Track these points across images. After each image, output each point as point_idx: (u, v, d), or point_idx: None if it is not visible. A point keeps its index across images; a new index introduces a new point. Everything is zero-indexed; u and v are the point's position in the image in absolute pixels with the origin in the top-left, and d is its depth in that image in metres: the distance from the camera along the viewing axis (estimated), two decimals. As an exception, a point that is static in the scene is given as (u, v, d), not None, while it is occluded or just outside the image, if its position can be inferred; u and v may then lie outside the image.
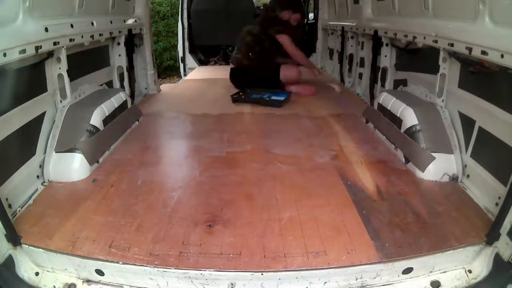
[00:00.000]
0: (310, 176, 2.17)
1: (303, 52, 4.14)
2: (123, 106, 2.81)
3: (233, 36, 5.06)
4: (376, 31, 3.44)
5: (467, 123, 2.13)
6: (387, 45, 3.34)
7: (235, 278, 1.47)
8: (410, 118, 2.34)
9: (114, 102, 2.68)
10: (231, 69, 4.26)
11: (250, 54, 3.92)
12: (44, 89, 2.25)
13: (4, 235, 1.55)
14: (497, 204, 1.73)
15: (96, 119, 2.35)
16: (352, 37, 4.41)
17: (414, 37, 2.61)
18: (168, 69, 9.16)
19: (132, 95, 3.60)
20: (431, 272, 1.57)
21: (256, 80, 3.86)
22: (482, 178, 1.94)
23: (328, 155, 2.44)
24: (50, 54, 2.22)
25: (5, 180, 1.80)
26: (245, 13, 6.09)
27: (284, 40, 3.83)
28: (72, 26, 2.40)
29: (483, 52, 1.82)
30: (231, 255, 1.52)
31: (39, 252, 1.58)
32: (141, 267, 1.48)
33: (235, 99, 3.66)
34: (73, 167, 2.14)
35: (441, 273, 1.57)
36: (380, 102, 2.78)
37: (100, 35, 2.87)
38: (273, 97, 3.63)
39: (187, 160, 2.41)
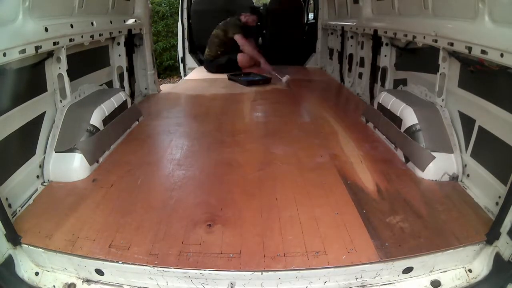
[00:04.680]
0: (310, 175, 2.17)
1: (261, 51, 5.28)
2: (123, 106, 2.81)
3: None
4: (376, 31, 3.44)
5: (467, 122, 2.13)
6: (387, 44, 3.34)
7: (235, 278, 1.47)
8: (410, 117, 2.33)
9: (114, 102, 2.68)
10: (205, 62, 5.52)
11: (218, 52, 5.26)
12: (44, 89, 2.25)
13: (4, 235, 1.55)
14: (497, 203, 1.73)
15: (96, 119, 2.35)
16: (352, 37, 4.41)
17: (414, 37, 2.61)
18: (168, 69, 9.16)
19: (132, 95, 3.61)
20: (431, 271, 1.56)
21: (222, 67, 5.17)
22: (482, 177, 1.94)
23: (328, 155, 2.44)
24: (50, 54, 2.22)
25: (5, 180, 1.80)
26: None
27: (238, 38, 5.08)
28: (72, 26, 2.41)
29: (483, 51, 1.82)
30: (231, 255, 1.52)
31: (39, 252, 1.58)
32: (141, 267, 1.48)
33: (230, 79, 4.84)
34: (73, 167, 2.15)
35: (441, 272, 1.57)
36: (380, 102, 2.78)
37: (100, 35, 2.88)
38: (255, 78, 4.75)
39: (186, 159, 2.41)
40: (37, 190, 2.03)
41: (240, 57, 5.16)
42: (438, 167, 2.12)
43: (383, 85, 3.44)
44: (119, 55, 3.49)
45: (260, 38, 6.37)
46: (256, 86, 4.49)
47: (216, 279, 1.47)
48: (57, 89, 2.33)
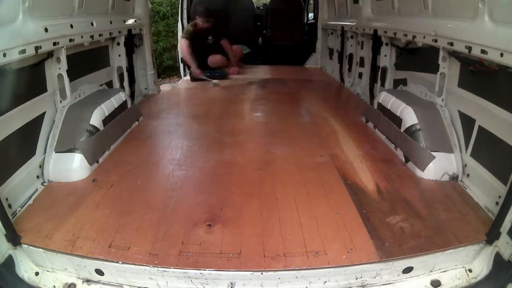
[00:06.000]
0: (310, 175, 2.17)
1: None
2: (123, 106, 2.81)
3: (233, 36, 5.08)
4: (375, 31, 3.44)
5: (467, 122, 2.13)
6: (386, 44, 3.34)
7: (235, 278, 1.47)
8: (410, 117, 2.34)
9: (114, 102, 2.68)
10: None
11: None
12: (44, 89, 2.26)
13: (4, 235, 1.55)
14: (497, 203, 1.73)
15: (96, 119, 2.36)
16: (351, 37, 4.42)
17: (414, 37, 2.61)
18: (168, 69, 9.15)
19: (132, 95, 3.61)
20: (431, 271, 1.56)
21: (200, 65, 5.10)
22: (482, 177, 1.94)
23: (328, 155, 2.44)
24: (50, 54, 2.23)
25: (5, 180, 1.80)
26: (244, 13, 6.10)
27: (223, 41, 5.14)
28: (71, 26, 2.41)
29: (483, 51, 1.82)
30: (231, 255, 1.52)
31: (39, 252, 1.58)
32: (141, 267, 1.49)
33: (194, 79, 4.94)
34: (73, 167, 2.15)
35: (441, 272, 1.57)
36: (380, 102, 2.78)
37: (100, 35, 2.88)
38: (215, 74, 4.95)
39: (186, 160, 2.41)
40: (37, 190, 2.03)
41: (210, 58, 5.17)
42: (438, 167, 2.12)
43: (383, 85, 3.44)
44: (119, 55, 3.49)
45: (260, 38, 6.37)
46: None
47: (216, 279, 1.47)
48: (57, 89, 2.33)
